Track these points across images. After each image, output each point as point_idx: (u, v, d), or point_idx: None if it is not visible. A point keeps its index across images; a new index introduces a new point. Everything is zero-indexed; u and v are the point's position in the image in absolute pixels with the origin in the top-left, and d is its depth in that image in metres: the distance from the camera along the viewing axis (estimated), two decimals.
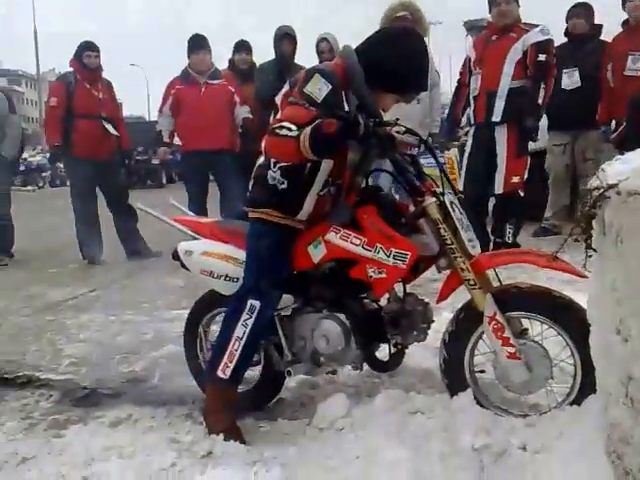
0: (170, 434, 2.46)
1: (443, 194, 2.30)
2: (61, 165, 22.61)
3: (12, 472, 2.30)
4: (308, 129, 2.05)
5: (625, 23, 5.74)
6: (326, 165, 2.30)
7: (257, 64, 6.14)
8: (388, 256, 2.24)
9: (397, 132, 2.40)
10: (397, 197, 2.98)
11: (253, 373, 2.67)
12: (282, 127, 2.11)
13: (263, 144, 2.27)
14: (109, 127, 6.12)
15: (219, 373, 2.41)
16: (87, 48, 6.10)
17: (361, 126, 2.09)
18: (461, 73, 5.54)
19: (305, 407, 2.64)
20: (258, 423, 2.55)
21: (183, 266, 2.70)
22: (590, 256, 1.83)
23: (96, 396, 2.92)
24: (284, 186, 2.33)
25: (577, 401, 2.12)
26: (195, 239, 2.69)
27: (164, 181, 18.90)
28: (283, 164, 2.30)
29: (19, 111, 7.12)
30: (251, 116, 5.90)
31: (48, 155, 7.08)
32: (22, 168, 21.36)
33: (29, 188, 19.89)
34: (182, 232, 2.73)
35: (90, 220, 6.10)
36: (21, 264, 6.17)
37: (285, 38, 5.84)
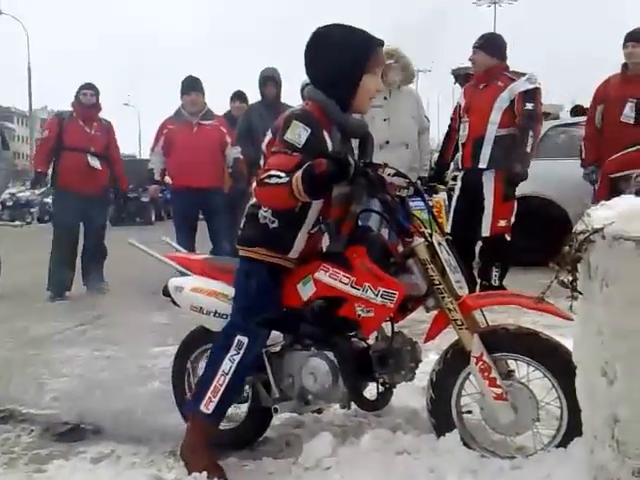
0: (152, 471, 2.43)
1: (431, 235, 2.33)
2: (49, 200, 22.72)
3: None
4: (299, 172, 2.07)
5: (625, 67, 5.48)
6: (316, 204, 2.33)
7: None
8: (376, 295, 2.25)
9: (388, 174, 2.43)
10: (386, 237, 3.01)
11: (239, 411, 2.65)
12: (271, 176, 2.13)
13: (254, 192, 2.28)
14: (93, 161, 6.17)
15: (202, 407, 2.39)
16: (84, 87, 6.36)
17: (351, 167, 2.12)
18: (452, 119, 5.63)
19: (290, 446, 2.61)
20: (242, 462, 2.52)
21: (173, 302, 2.70)
22: (576, 298, 1.86)
23: (78, 431, 2.88)
24: (275, 225, 2.36)
25: (563, 443, 2.12)
26: (185, 275, 2.70)
27: (153, 219, 18.96)
28: None
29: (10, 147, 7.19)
30: (242, 157, 5.99)
31: (31, 180, 7.28)
32: (10, 203, 21.32)
33: (17, 223, 19.74)
34: (173, 268, 2.75)
35: (64, 253, 6.11)
36: (6, 298, 6.11)
37: (268, 81, 6.02)
